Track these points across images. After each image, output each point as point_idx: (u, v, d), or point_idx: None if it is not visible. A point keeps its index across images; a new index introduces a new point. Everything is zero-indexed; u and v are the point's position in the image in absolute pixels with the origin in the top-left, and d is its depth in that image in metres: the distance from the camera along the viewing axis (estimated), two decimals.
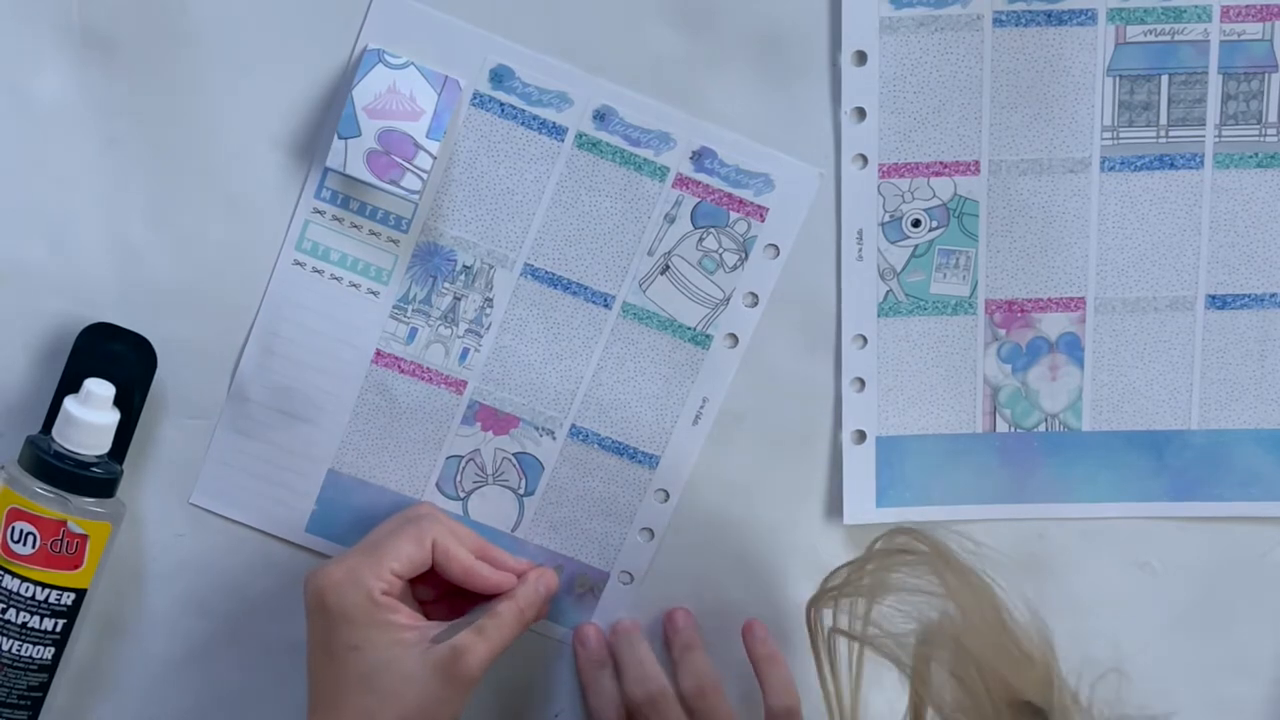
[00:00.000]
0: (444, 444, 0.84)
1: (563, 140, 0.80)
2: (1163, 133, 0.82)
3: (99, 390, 0.78)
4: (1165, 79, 0.81)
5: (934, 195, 0.82)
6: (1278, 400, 0.84)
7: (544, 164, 0.81)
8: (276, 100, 0.79)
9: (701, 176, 0.81)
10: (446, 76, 0.79)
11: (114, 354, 0.80)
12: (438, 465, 0.84)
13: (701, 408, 0.83)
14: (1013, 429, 0.84)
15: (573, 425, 0.84)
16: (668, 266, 0.82)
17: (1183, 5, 0.80)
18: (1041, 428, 0.84)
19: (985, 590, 0.74)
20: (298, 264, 0.81)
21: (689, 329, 0.83)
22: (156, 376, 0.81)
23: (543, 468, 0.84)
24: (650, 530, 0.85)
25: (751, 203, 0.81)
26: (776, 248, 0.82)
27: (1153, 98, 0.81)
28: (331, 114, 0.79)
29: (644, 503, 0.85)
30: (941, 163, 0.82)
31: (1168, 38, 0.81)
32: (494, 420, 0.83)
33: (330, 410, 0.83)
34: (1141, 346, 0.84)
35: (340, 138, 0.78)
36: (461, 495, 0.84)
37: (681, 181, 0.81)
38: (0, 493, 0.78)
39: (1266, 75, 0.81)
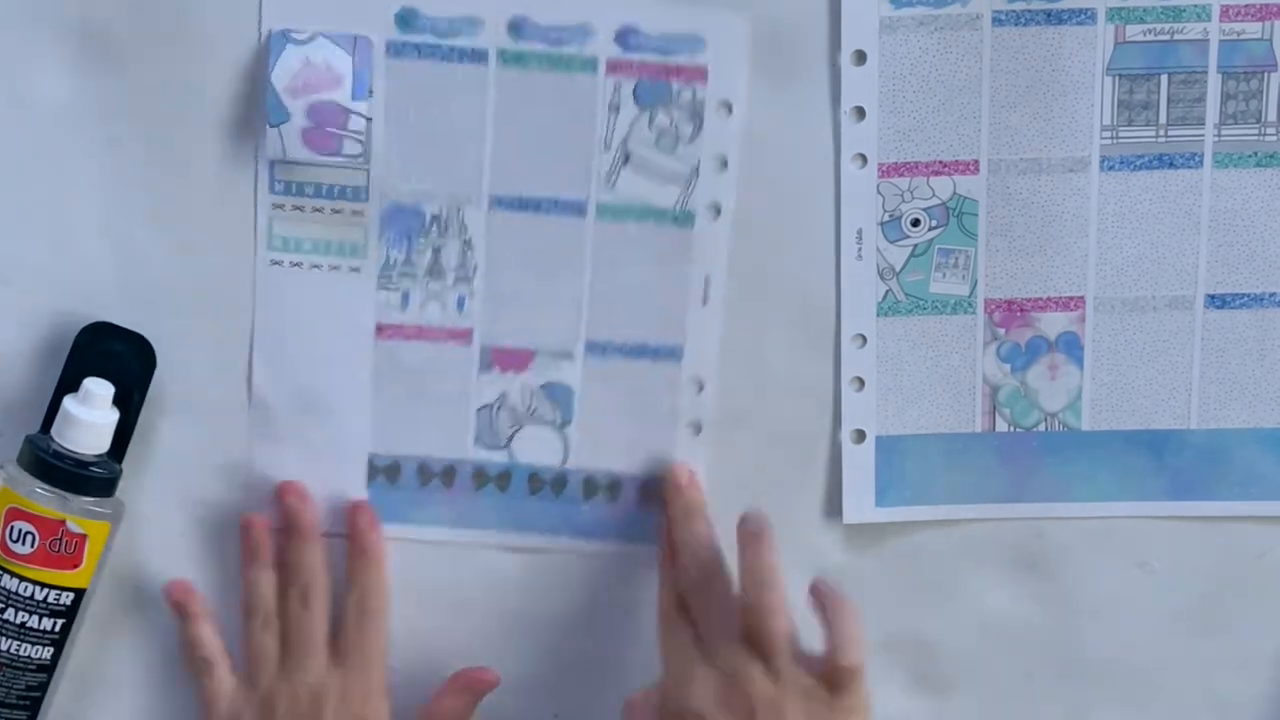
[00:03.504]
0: (470, 397, 0.82)
1: (486, 63, 0.79)
2: (1162, 132, 0.82)
3: (98, 390, 0.78)
4: (1164, 78, 0.81)
5: (933, 194, 0.82)
6: (1277, 400, 0.84)
7: (475, 92, 0.79)
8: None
9: (631, 56, 0.79)
10: (355, 36, 0.78)
11: (113, 353, 0.80)
12: (470, 420, 0.83)
13: (706, 286, 0.82)
14: (1012, 428, 0.84)
15: (587, 341, 0.82)
16: (628, 156, 0.80)
17: (1182, 4, 0.80)
18: (1041, 427, 0.84)
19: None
20: (275, 263, 0.81)
21: (668, 210, 0.81)
22: (156, 376, 0.81)
23: (573, 392, 0.83)
24: (697, 424, 0.83)
25: (689, 67, 0.80)
26: (729, 104, 0.80)
27: (1152, 97, 0.81)
28: (258, 105, 0.79)
29: (681, 397, 0.83)
30: (941, 162, 0.82)
31: (1167, 37, 0.81)
32: (510, 359, 0.82)
33: (352, 396, 0.82)
34: (1141, 346, 0.84)
35: (272, 126, 0.78)
36: (503, 443, 0.83)
37: (613, 66, 0.79)
38: None
39: (1266, 75, 0.81)
